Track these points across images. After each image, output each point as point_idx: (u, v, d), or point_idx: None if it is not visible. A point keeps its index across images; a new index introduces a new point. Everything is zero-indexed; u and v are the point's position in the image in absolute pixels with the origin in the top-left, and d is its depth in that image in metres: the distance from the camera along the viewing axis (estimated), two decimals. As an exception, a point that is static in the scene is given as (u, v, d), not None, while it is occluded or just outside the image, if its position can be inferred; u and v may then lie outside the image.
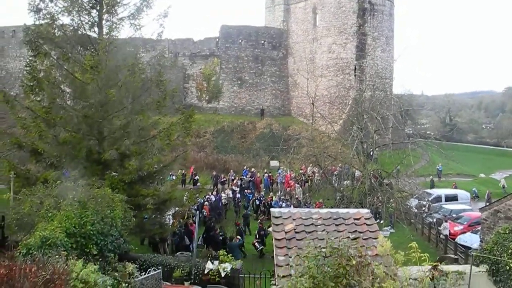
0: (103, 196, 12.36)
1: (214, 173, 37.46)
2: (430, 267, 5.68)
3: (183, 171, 34.89)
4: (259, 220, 24.42)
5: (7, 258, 6.39)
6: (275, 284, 7.18)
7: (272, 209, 9.15)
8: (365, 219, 8.54)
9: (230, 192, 31.28)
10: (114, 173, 16.52)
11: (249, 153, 45.64)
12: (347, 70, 48.33)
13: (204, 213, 26.01)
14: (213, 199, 28.59)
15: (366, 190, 21.20)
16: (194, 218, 24.54)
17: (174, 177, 29.24)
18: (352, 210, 9.18)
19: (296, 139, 27.24)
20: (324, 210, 9.06)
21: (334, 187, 23.49)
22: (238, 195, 30.71)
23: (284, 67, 55.43)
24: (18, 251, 8.95)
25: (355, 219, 8.53)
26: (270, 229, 22.69)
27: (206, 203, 27.75)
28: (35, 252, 8.56)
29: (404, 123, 26.58)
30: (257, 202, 29.63)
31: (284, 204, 26.72)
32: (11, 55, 55.64)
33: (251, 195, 31.93)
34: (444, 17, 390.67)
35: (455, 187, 36.45)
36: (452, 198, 32.28)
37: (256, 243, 21.88)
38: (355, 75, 47.53)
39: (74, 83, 16.85)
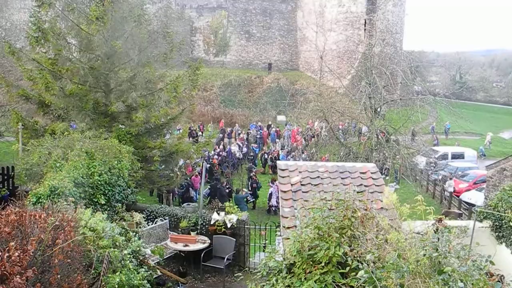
0: (111, 147, 12.42)
1: (221, 126, 37.66)
2: (434, 221, 5.69)
3: (191, 125, 35.24)
4: (252, 173, 24.86)
5: (18, 206, 6.48)
6: (280, 235, 7.29)
7: (278, 162, 9.19)
8: (371, 173, 8.57)
9: (236, 147, 31.51)
10: (121, 125, 16.54)
11: (256, 107, 45.57)
12: (357, 24, 47.21)
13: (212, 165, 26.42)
14: (225, 154, 29.04)
15: (373, 145, 21.15)
16: (198, 170, 25.01)
17: (180, 131, 29.32)
18: (358, 164, 9.18)
19: (303, 94, 27.02)
20: (331, 164, 9.08)
21: (340, 143, 23.44)
22: (244, 149, 30.92)
23: (293, 21, 54.22)
24: (28, 200, 9.11)
25: (361, 172, 8.56)
26: (277, 182, 23.24)
27: (215, 156, 28.13)
28: (44, 201, 8.71)
29: (413, 79, 26.12)
30: (265, 156, 29.93)
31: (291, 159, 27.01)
32: (15, 7, 54.70)
33: (258, 149, 32.20)
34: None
35: (458, 145, 36.40)
36: (458, 156, 32.27)
37: (248, 196, 22.31)
38: (365, 30, 46.47)
39: (79, 35, 16.57)
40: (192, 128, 35.01)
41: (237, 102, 46.55)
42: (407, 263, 4.45)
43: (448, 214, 13.53)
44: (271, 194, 22.31)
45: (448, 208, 22.57)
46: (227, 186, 22.23)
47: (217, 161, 27.67)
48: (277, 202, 22.19)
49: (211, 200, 18.85)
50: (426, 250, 4.46)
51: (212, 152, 29.09)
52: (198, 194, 23.00)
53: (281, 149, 32.22)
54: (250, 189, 22.65)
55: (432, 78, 79.20)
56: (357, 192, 5.94)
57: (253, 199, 22.84)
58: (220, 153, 29.35)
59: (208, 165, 26.36)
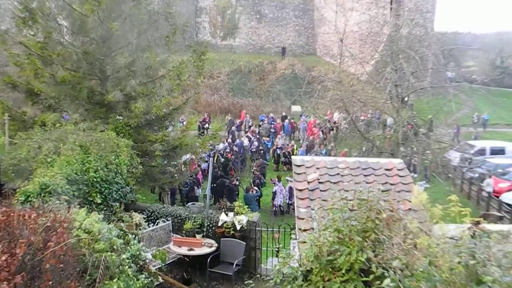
0: (107, 140, 12.50)
1: (229, 117, 37.69)
2: (470, 224, 5.60)
3: (204, 116, 35.58)
4: (254, 168, 24.84)
5: (5, 206, 6.55)
6: (295, 239, 7.29)
7: (293, 157, 9.18)
8: (398, 169, 8.54)
9: (246, 140, 31.54)
10: (118, 117, 16.63)
11: (268, 96, 45.55)
12: (382, 3, 46.78)
13: (221, 159, 26.80)
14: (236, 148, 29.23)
15: (399, 139, 21.00)
16: (205, 166, 25.10)
17: (184, 123, 29.44)
18: (383, 160, 9.20)
19: (321, 81, 26.68)
20: (352, 159, 9.09)
21: (363, 136, 23.30)
22: (255, 143, 30.94)
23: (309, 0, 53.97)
24: (16, 198, 9.19)
25: (386, 169, 8.53)
26: (290, 178, 23.29)
27: (228, 150, 28.34)
28: (34, 200, 8.79)
29: (446, 64, 25.88)
30: (278, 151, 29.92)
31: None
32: (1, -16, 55.13)
33: (270, 143, 32.22)
34: None
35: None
36: (498, 152, 31.73)
37: (259, 195, 22.42)
38: (391, 9, 46.05)
39: (71, 16, 16.63)
40: (204, 121, 35.36)
41: (247, 90, 46.57)
42: (439, 271, 4.41)
43: (487, 216, 13.42)
44: (275, 193, 22.35)
45: (486, 210, 22.35)
46: (237, 183, 22.32)
47: (231, 156, 27.86)
48: (289, 203, 22.36)
49: (217, 199, 18.98)
50: (461, 257, 4.41)
51: (221, 145, 29.21)
52: (202, 192, 23.21)
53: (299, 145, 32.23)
54: (252, 186, 22.73)
55: (469, 63, 78.26)
56: (382, 191, 5.87)
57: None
58: (232, 147, 29.51)
59: (223, 160, 26.66)
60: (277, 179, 22.96)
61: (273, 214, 22.16)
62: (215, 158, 26.86)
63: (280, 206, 22.36)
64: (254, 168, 25.14)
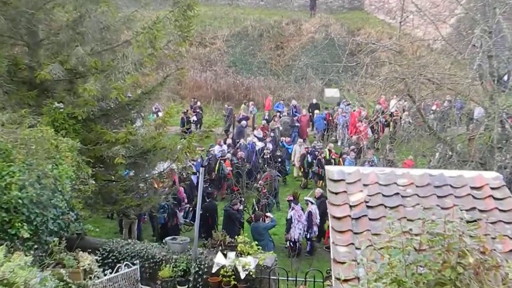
0: (40, 141, 12.45)
1: (228, 106, 37.68)
2: None
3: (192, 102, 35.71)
4: (258, 184, 24.96)
5: None
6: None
7: (328, 168, 9.11)
8: (492, 188, 8.52)
9: (254, 140, 31.49)
10: (58, 104, 16.63)
11: (289, 74, 45.51)
12: None
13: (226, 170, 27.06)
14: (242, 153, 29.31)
15: (494, 141, 20.85)
16: (193, 178, 25.12)
17: (160, 113, 29.38)
18: (468, 173, 9.15)
19: (371, 51, 26.56)
20: (419, 172, 9.08)
21: (435, 135, 23.21)
22: (269, 146, 30.89)
23: None
24: None
25: (473, 188, 8.52)
26: (310, 198, 23.16)
27: (228, 155, 28.40)
28: None
29: None
30: (309, 158, 29.75)
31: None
32: None
33: (291, 146, 32.07)
34: None
35: None
36: None
37: (274, 225, 22.27)
38: None
39: None
40: (192, 110, 35.56)
41: (257, 65, 46.56)
42: None
43: None
44: (290, 221, 22.18)
45: None
46: (241, 207, 22.30)
47: (232, 165, 27.88)
48: (309, 237, 22.42)
49: (207, 230, 18.99)
50: None
51: (217, 148, 29.23)
52: (185, 219, 23.20)
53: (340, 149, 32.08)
54: (262, 210, 22.64)
55: None
56: (467, 222, 5.79)
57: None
58: (236, 151, 29.48)
59: (229, 169, 26.83)
60: (292, 198, 22.82)
61: (290, 253, 22.06)
62: (217, 167, 26.94)
63: (297, 241, 22.19)
64: (259, 182, 24.96)
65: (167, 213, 22.29)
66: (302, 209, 22.56)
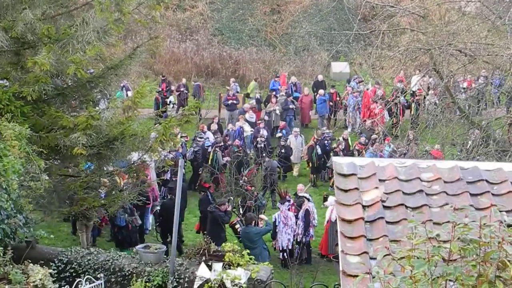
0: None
1: (195, 82, 37.66)
2: None
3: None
4: (242, 179, 25.04)
5: None
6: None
7: (335, 159, 9.09)
8: (540, 185, 8.54)
9: (245, 125, 31.49)
10: (1, 81, 16.56)
11: (287, 44, 45.46)
12: None
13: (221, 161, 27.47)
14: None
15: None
16: (168, 176, 25.14)
17: (130, 93, 29.36)
18: (509, 166, 9.16)
19: (388, 16, 26.55)
20: (447, 164, 9.11)
21: (467, 120, 23.25)
22: (264, 133, 30.85)
23: None
24: None
25: None
26: (307, 194, 23.20)
27: (205, 142, 28.49)
28: None
29: None
30: (319, 150, 29.59)
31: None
32: None
33: (286, 132, 31.99)
34: None
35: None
36: None
37: (238, 224, 22.52)
38: None
39: None
40: (167, 89, 35.54)
41: (248, 33, 46.53)
42: None
43: None
44: (275, 224, 22.16)
45: None
46: (228, 209, 22.30)
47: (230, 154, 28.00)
48: (305, 241, 22.41)
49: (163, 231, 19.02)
50: None
51: (200, 140, 29.22)
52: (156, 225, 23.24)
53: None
54: (241, 211, 22.65)
55: None
56: (508, 226, 5.80)
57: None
58: (224, 138, 29.54)
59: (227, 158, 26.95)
60: (286, 195, 22.80)
61: (282, 263, 22.10)
62: (211, 157, 26.99)
63: (286, 249, 22.23)
64: (242, 179, 24.83)
65: (134, 216, 22.31)
66: (299, 209, 22.59)
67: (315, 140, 30.36)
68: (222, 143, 28.96)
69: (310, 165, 30.44)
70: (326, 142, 30.04)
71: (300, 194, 23.23)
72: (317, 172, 30.21)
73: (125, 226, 22.14)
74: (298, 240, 22.31)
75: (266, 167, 26.87)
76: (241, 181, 24.81)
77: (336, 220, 22.06)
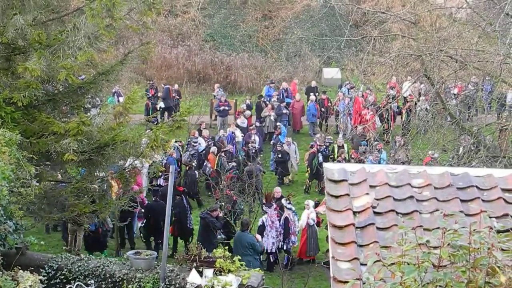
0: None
1: (164, 85, 37.69)
2: None
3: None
4: (221, 184, 25.00)
5: None
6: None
7: (327, 165, 9.10)
8: (529, 190, 8.54)
9: (237, 131, 31.54)
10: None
11: (279, 50, 45.53)
12: None
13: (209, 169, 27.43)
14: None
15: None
16: (161, 181, 25.13)
17: (121, 98, 29.38)
18: (499, 172, 9.17)
19: (379, 22, 26.65)
20: (438, 170, 9.13)
21: (459, 126, 23.29)
22: (256, 138, 30.87)
23: None
24: None
25: (505, 190, 8.55)
26: (287, 202, 23.20)
27: (214, 148, 28.57)
28: None
29: None
30: (320, 158, 29.59)
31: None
32: None
33: (283, 136, 32.03)
34: None
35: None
36: None
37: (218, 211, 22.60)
38: None
39: None
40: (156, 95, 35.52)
41: (239, 39, 46.61)
42: None
43: None
44: (262, 228, 22.16)
45: None
46: (220, 214, 22.32)
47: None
48: (285, 247, 22.56)
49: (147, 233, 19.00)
50: None
51: (195, 144, 29.30)
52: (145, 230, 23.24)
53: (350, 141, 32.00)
54: (225, 213, 22.66)
55: None
56: (498, 232, 5.81)
57: (223, 237, 22.58)
58: (217, 144, 29.64)
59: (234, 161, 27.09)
60: (265, 200, 22.85)
61: (268, 267, 22.11)
62: (217, 162, 27.04)
63: (272, 253, 22.37)
64: (222, 183, 24.83)
65: (127, 222, 22.37)
66: (282, 213, 22.71)
67: (317, 147, 30.46)
68: (223, 148, 29.07)
69: (309, 171, 30.41)
70: (324, 147, 30.16)
71: (281, 202, 23.23)
72: (316, 179, 30.09)
73: (95, 230, 22.22)
74: (280, 246, 22.41)
75: (247, 171, 26.76)
76: (221, 185, 24.79)
77: (313, 224, 22.39)
